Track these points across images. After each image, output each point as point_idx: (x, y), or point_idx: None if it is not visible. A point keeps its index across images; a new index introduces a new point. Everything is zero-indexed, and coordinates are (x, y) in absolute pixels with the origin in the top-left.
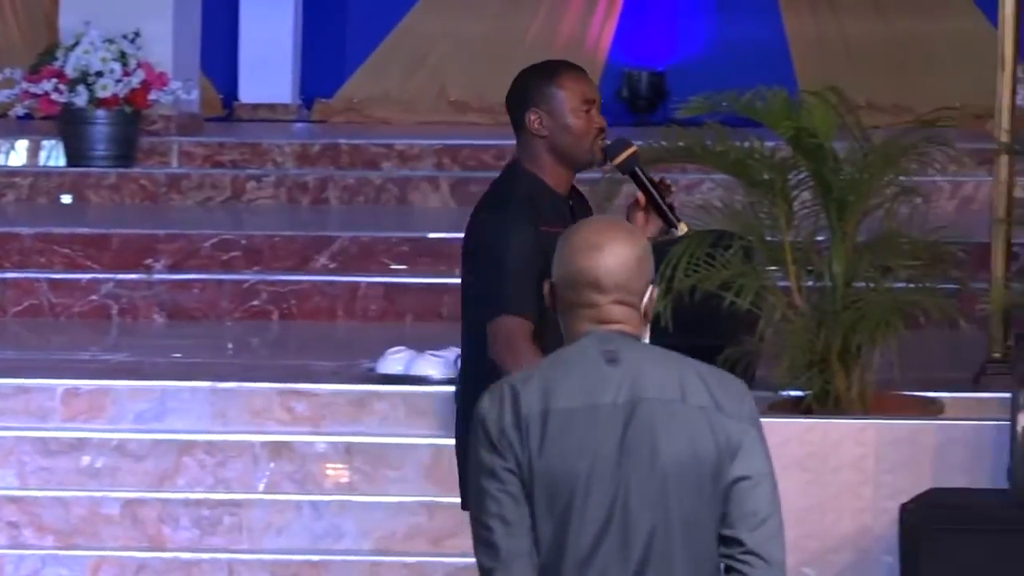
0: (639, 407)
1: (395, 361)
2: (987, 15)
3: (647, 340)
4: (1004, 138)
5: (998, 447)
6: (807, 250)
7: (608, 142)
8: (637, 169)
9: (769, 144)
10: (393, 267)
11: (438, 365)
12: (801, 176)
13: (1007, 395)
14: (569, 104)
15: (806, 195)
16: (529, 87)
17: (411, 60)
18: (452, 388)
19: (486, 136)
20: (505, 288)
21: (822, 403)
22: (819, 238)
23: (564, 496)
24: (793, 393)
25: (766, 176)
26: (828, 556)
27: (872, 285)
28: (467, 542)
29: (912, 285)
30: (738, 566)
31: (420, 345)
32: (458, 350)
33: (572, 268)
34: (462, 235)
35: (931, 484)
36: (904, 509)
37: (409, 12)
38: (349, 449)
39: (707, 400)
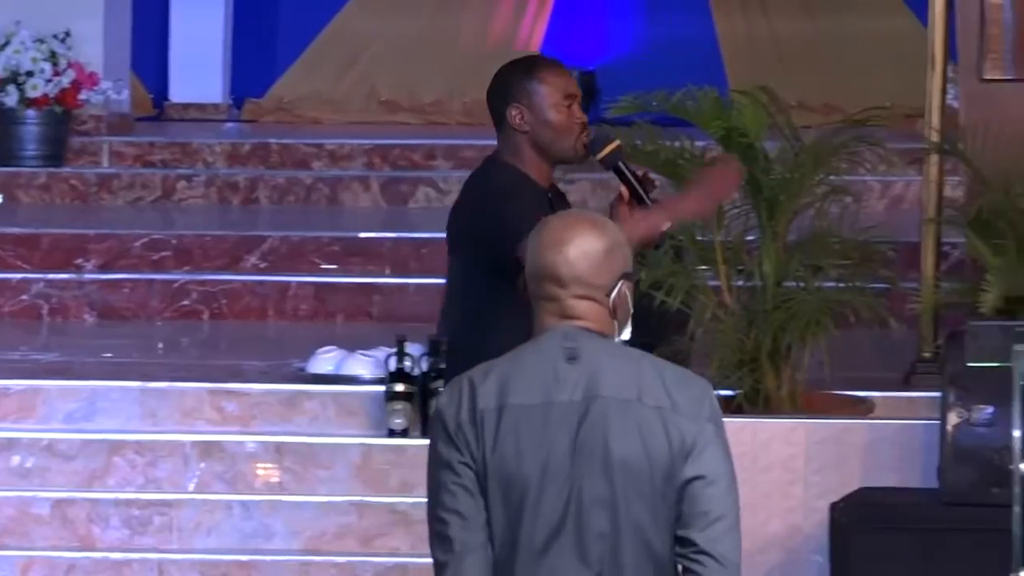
0: (593, 405)
1: (325, 361)
2: (917, 14)
3: (624, 336)
4: (934, 137)
5: (928, 446)
6: (737, 250)
7: (591, 137)
8: (620, 163)
9: (700, 144)
10: (323, 267)
11: (368, 365)
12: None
13: (937, 394)
14: (550, 99)
15: (736, 195)
16: (510, 83)
17: (342, 60)
18: (382, 388)
19: (416, 136)
20: (514, 227)
21: (752, 403)
22: (749, 237)
23: (518, 493)
24: (723, 393)
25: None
26: (757, 556)
27: (802, 284)
28: (397, 541)
29: (842, 284)
30: (691, 566)
31: (350, 345)
32: (388, 350)
33: (536, 261)
34: (392, 234)
35: (861, 483)
36: (834, 508)
37: (340, 12)
38: (279, 449)
39: (663, 400)
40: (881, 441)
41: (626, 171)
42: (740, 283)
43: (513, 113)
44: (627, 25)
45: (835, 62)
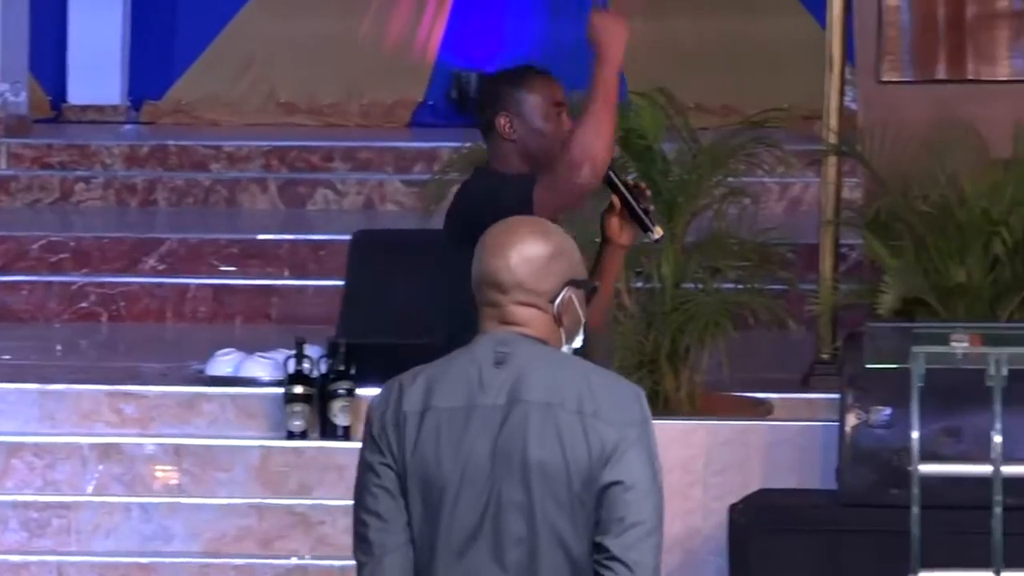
0: (515, 410)
1: (224, 363)
2: (815, 16)
3: (574, 345)
4: (832, 139)
5: (826, 448)
6: (636, 252)
7: None
8: (611, 173)
9: None
10: (222, 269)
11: (267, 367)
12: (630, 177)
13: (835, 396)
14: (539, 108)
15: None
16: (499, 91)
17: (240, 62)
18: (281, 390)
19: (315, 138)
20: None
21: (651, 404)
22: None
23: (436, 495)
24: None
25: None
26: None
27: (701, 286)
28: (296, 543)
29: (741, 286)
30: (603, 572)
31: (249, 347)
32: (287, 352)
33: (479, 267)
34: (290, 236)
35: (760, 485)
36: (733, 510)
37: (238, 14)
38: (178, 451)
39: (586, 405)
40: (780, 443)
41: (616, 181)
42: (639, 285)
43: (502, 122)
44: (526, 27)
45: (733, 64)
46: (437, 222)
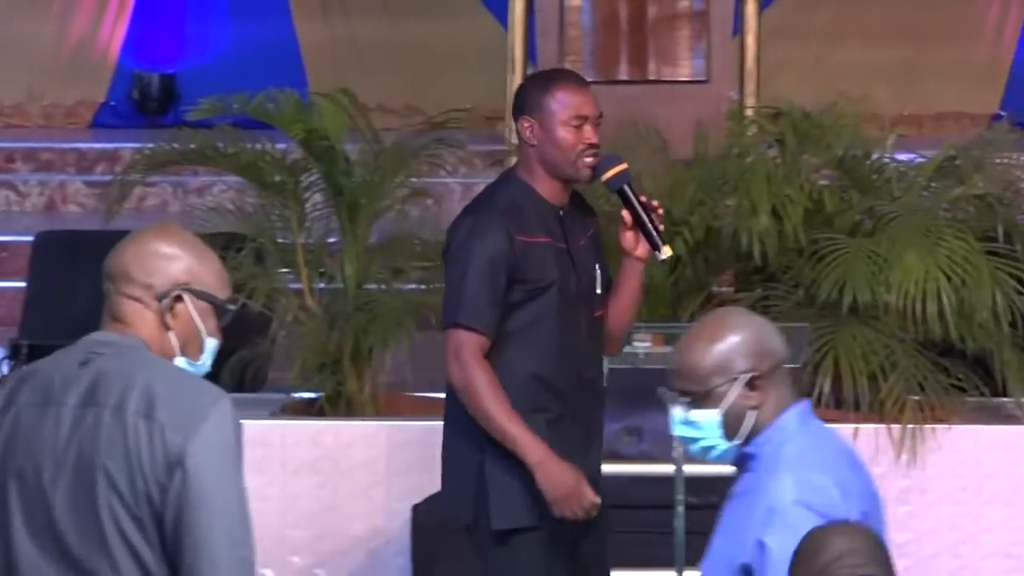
0: (88, 413)
1: None
2: (497, 17)
3: (198, 364)
4: (514, 139)
5: None
6: (319, 252)
7: (600, 159)
8: (625, 187)
9: (281, 146)
10: None
11: None
12: (313, 178)
13: None
14: (560, 116)
15: (318, 197)
16: (525, 95)
17: None
18: None
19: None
20: (462, 298)
21: (334, 405)
22: (331, 240)
23: (3, 493)
24: (306, 395)
25: (278, 178)
26: (340, 558)
27: (384, 287)
28: None
29: (424, 287)
30: None
31: None
32: None
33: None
34: None
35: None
36: (416, 510)
37: None
38: None
39: (159, 412)
40: None
41: (631, 196)
42: (322, 286)
43: (525, 125)
44: (208, 29)
45: (416, 64)
46: (120, 223)
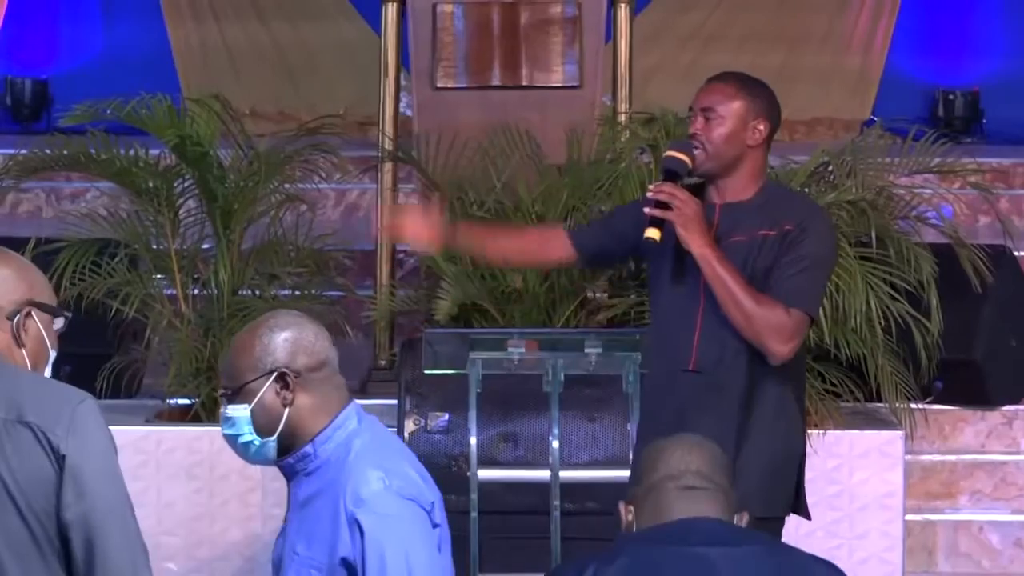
0: None
1: None
2: (369, 22)
3: (36, 372)
4: (388, 145)
5: None
6: (193, 258)
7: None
8: (672, 170)
9: (154, 152)
10: None
11: None
12: (187, 184)
13: (393, 402)
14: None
15: (192, 203)
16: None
17: None
18: None
19: None
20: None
21: (210, 411)
22: (205, 246)
23: None
24: (181, 401)
25: (151, 184)
26: (217, 564)
27: (258, 292)
28: None
29: (298, 292)
30: None
31: None
32: None
33: None
34: None
35: None
36: None
37: None
38: None
39: (28, 415)
40: None
41: (675, 180)
42: (196, 291)
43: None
44: (81, 33)
45: (288, 70)
46: None
